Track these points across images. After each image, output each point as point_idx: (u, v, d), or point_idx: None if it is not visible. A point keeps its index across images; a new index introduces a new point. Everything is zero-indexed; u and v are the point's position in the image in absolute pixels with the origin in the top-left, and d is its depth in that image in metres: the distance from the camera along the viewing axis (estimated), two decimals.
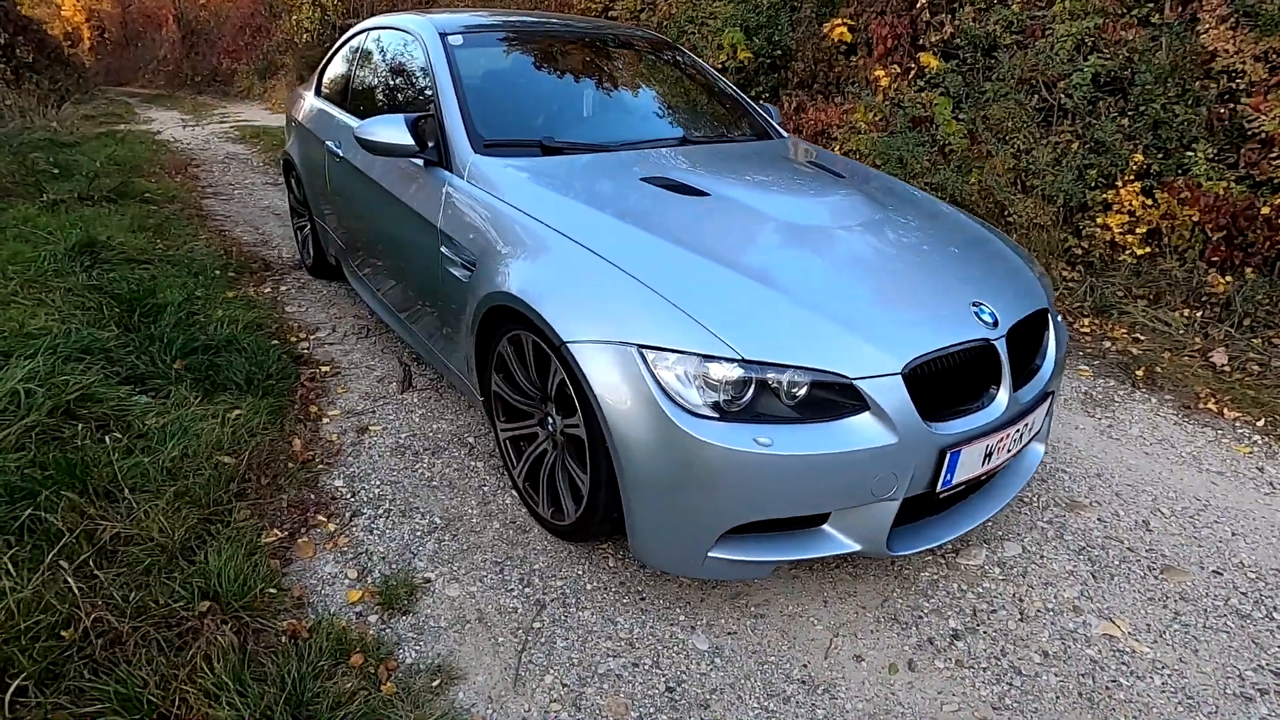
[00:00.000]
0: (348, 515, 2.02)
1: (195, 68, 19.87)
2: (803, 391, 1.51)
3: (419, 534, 1.95)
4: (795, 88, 5.55)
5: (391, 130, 2.22)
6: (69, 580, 1.53)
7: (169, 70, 21.33)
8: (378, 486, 2.15)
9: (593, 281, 1.67)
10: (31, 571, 1.55)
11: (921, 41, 4.75)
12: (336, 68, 3.47)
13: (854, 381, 1.50)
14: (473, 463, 2.29)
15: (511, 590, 1.77)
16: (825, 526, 1.61)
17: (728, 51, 5.68)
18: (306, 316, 3.41)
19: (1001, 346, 1.69)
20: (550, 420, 1.89)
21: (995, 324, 1.69)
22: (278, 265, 4.12)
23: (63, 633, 1.45)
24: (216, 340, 2.82)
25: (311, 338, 3.17)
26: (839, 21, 5.15)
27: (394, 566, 1.83)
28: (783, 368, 1.50)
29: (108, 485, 1.87)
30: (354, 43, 3.33)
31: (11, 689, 1.31)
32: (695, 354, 1.50)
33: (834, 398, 1.52)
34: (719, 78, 3.14)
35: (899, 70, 4.78)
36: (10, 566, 1.55)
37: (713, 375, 1.49)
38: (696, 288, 1.62)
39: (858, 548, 1.61)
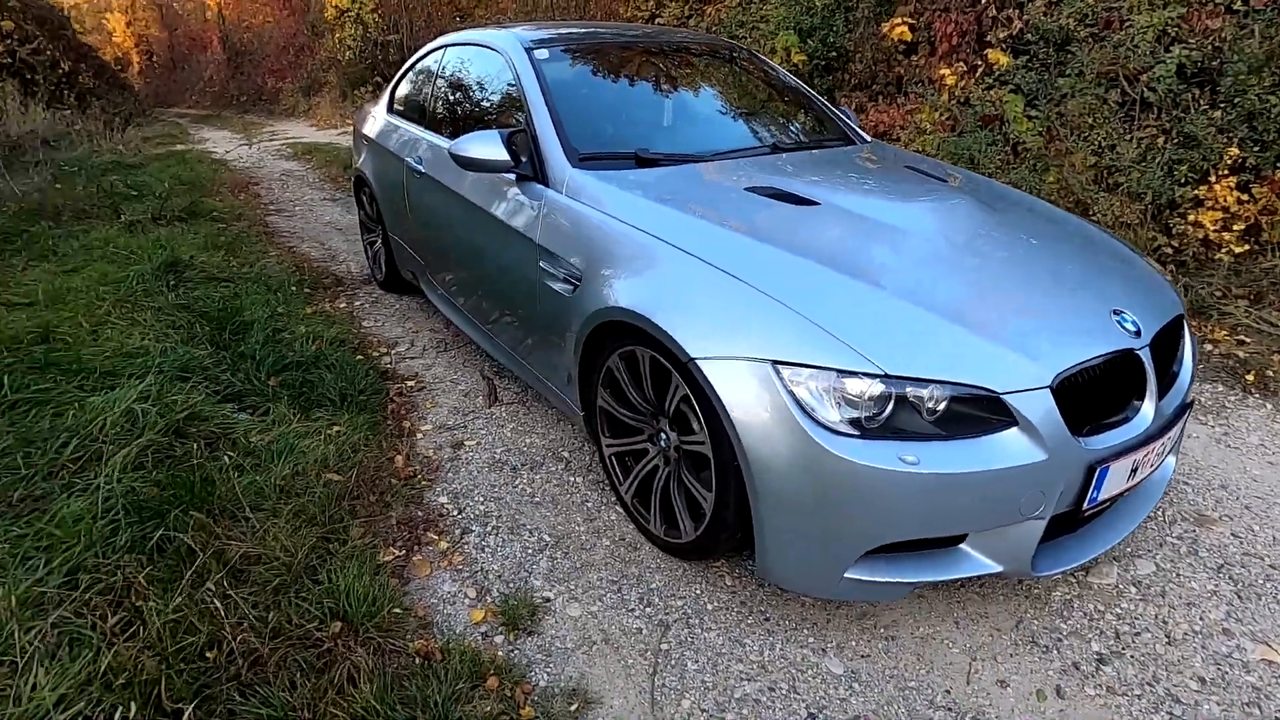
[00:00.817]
0: (457, 532, 2.01)
1: (241, 87, 20.46)
2: (942, 406, 1.46)
3: (530, 551, 1.94)
4: (852, 89, 5.47)
5: (487, 146, 2.23)
6: (211, 601, 1.54)
7: (215, 91, 22.01)
8: (482, 503, 2.15)
9: (717, 296, 1.64)
10: (170, 592, 1.58)
11: (988, 38, 4.63)
12: (410, 85, 3.51)
13: (1002, 396, 1.44)
14: (571, 478, 2.28)
15: (632, 610, 1.74)
16: (964, 546, 1.55)
17: (780, 55, 5.62)
18: (384, 331, 3.45)
19: (1146, 356, 1.61)
20: (663, 436, 1.86)
21: (1138, 333, 1.61)
22: (349, 280, 4.18)
23: (208, 653, 1.47)
24: (305, 357, 2.86)
25: (393, 352, 3.20)
26: (898, 20, 5.06)
27: (511, 585, 1.82)
28: (925, 382, 1.45)
29: (229, 504, 1.89)
30: (428, 60, 3.36)
31: (184, 715, 1.32)
32: (832, 369, 1.46)
33: (978, 413, 1.46)
34: (798, 82, 3.10)
35: (965, 68, 4.67)
36: (150, 587, 1.58)
37: (850, 391, 1.45)
38: (826, 300, 1.57)
39: (999, 568, 1.55)
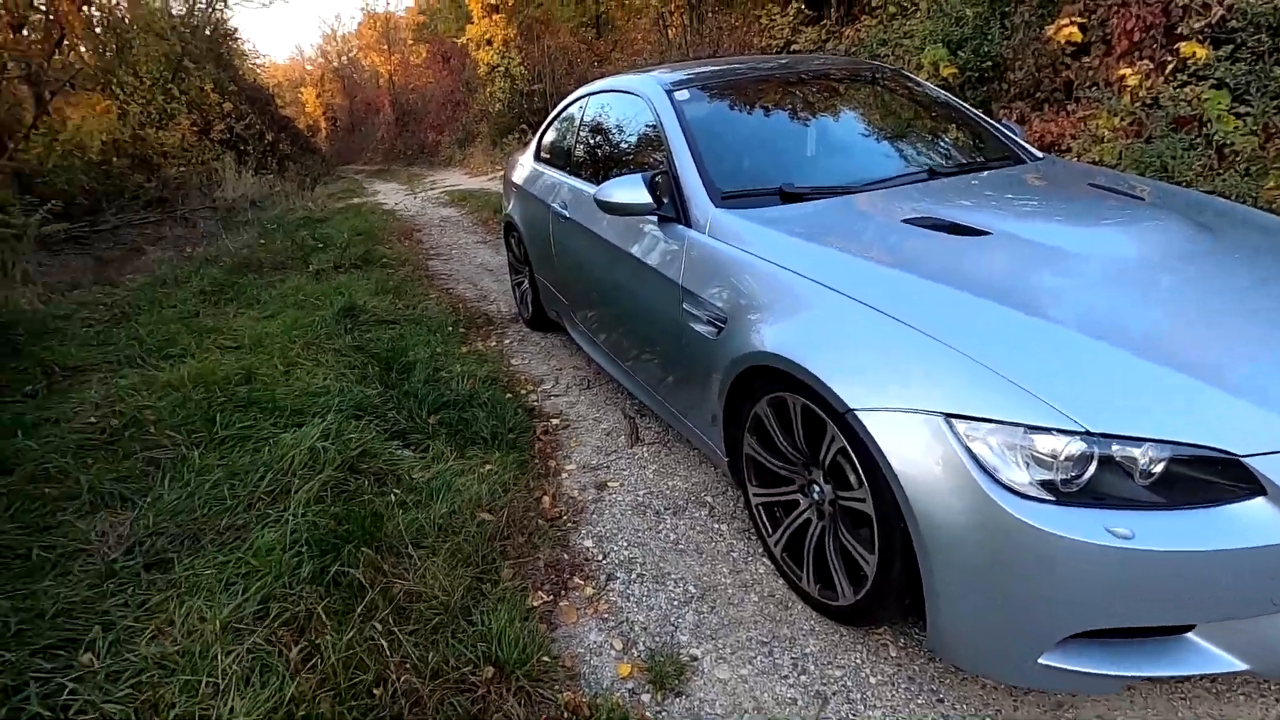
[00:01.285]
0: (603, 578, 2.00)
1: (406, 143, 22.74)
2: (1160, 469, 1.24)
3: (676, 603, 1.88)
4: (1012, 100, 5.05)
5: (630, 191, 2.25)
6: (378, 639, 1.63)
7: (385, 147, 24.62)
8: (626, 548, 2.13)
9: (876, 340, 1.52)
10: (344, 626, 1.68)
11: (1179, 30, 4.10)
12: (555, 133, 3.68)
13: (1244, 459, 1.20)
14: (716, 525, 2.20)
15: (785, 677, 1.63)
16: (1193, 636, 1.30)
17: (928, 70, 5.32)
18: (531, 369, 3.58)
19: None
20: (816, 489, 1.74)
21: None
22: (498, 319, 4.41)
23: (375, 690, 1.54)
24: (461, 395, 3.03)
25: (539, 390, 3.31)
26: (1066, 21, 4.61)
27: (657, 640, 1.76)
28: (1139, 441, 1.23)
29: (394, 541, 2.01)
30: (572, 108, 3.50)
31: None
32: (1019, 424, 1.28)
33: (1208, 477, 1.23)
34: (952, 98, 2.89)
35: (1150, 66, 4.15)
36: (326, 620, 1.69)
37: (1041, 449, 1.27)
38: (1006, 344, 1.40)
39: (1244, 667, 1.28)
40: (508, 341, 4.01)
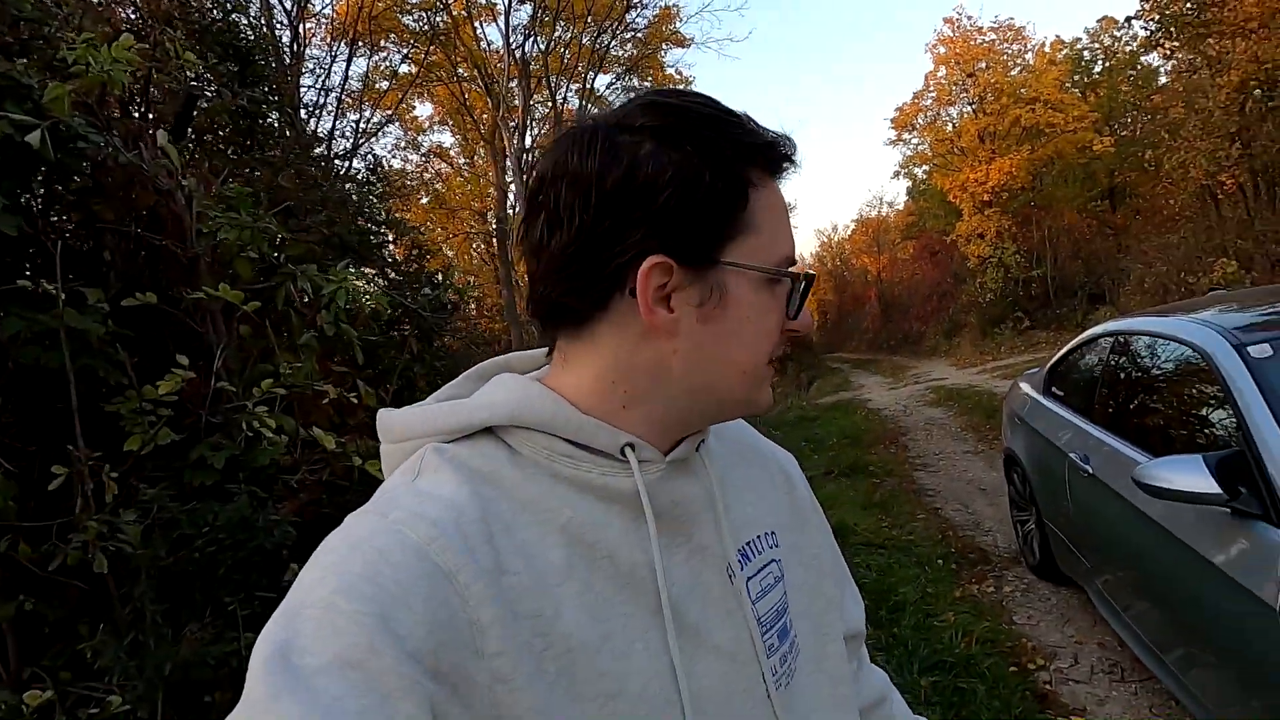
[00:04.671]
0: None
1: (890, 332, 23.71)
2: None
3: None
4: None
5: (1189, 476, 1.89)
6: None
7: (869, 337, 26.12)
8: None
9: None
10: None
11: None
12: (1071, 370, 3.39)
13: None
14: None
15: None
16: None
17: None
18: (1040, 633, 3.12)
19: None
20: None
21: None
22: (995, 557, 4.03)
23: None
24: (957, 657, 2.82)
25: (1052, 667, 2.84)
26: None
27: None
28: None
29: None
30: (1097, 346, 3.20)
31: None
32: None
33: None
34: None
35: None
36: None
37: None
38: None
39: None
40: (1008, 589, 3.61)
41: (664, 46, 11.71)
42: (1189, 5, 9.15)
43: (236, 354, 2.34)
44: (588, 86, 10.88)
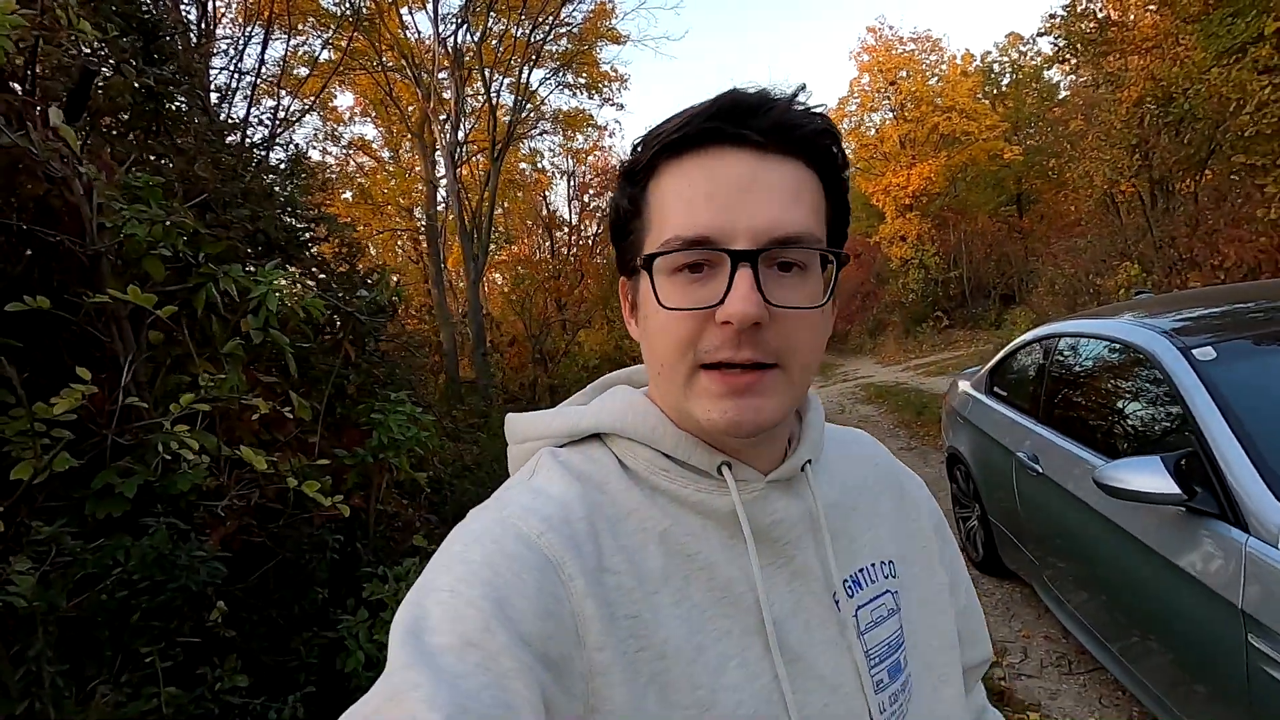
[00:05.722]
0: None
1: None
2: None
3: None
4: None
5: (1149, 477, 1.94)
6: None
7: None
8: None
9: None
10: None
11: None
12: (1015, 370, 3.48)
13: None
14: None
15: None
16: None
17: None
18: (989, 629, 3.18)
19: None
20: None
21: None
22: None
23: None
24: None
25: (1004, 663, 2.90)
26: None
27: None
28: None
29: None
30: (1035, 347, 3.30)
31: None
32: None
33: None
34: None
35: None
36: None
37: None
38: None
39: None
40: None
41: (600, 43, 11.57)
42: (1091, 25, 9.76)
43: (148, 365, 2.06)
44: (521, 81, 10.61)
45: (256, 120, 4.81)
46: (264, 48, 5.06)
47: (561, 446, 0.56)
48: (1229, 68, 6.48)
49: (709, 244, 0.48)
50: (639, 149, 0.53)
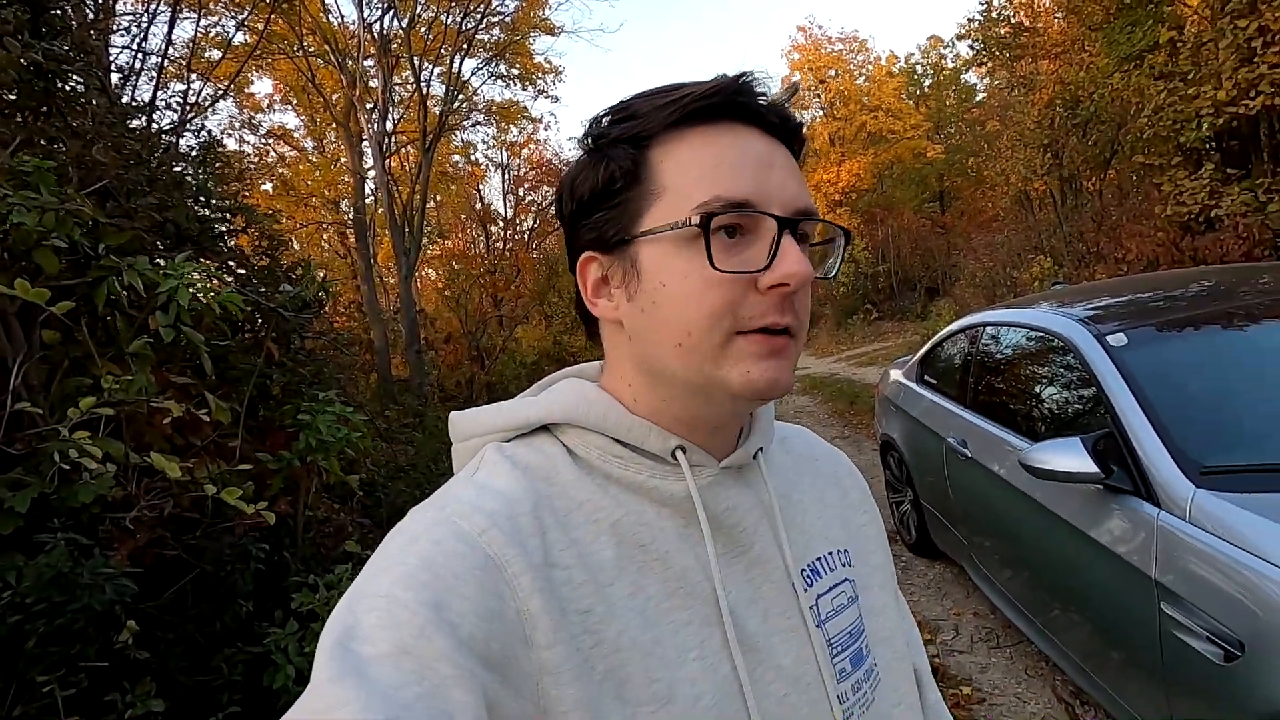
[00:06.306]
0: None
1: None
2: None
3: None
4: None
5: (1070, 458, 2.04)
6: None
7: None
8: None
9: None
10: None
11: None
12: (943, 359, 3.61)
13: None
14: None
15: None
16: None
17: None
18: (923, 609, 3.31)
19: None
20: None
21: None
22: None
23: None
24: None
25: (938, 641, 3.01)
26: None
27: None
28: None
29: None
30: (962, 336, 3.43)
31: None
32: None
33: None
34: None
35: None
36: None
37: None
38: None
39: None
40: None
41: (533, 33, 11.37)
42: (1006, 30, 10.26)
43: (41, 367, 1.89)
44: (453, 71, 10.31)
45: (164, 104, 4.49)
46: (171, 26, 4.73)
47: (508, 441, 0.55)
48: (1129, 73, 6.92)
49: (753, 208, 0.48)
50: (631, 117, 0.51)
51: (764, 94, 0.51)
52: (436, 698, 0.39)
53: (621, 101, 0.53)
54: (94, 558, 1.57)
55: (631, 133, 0.51)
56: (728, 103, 0.50)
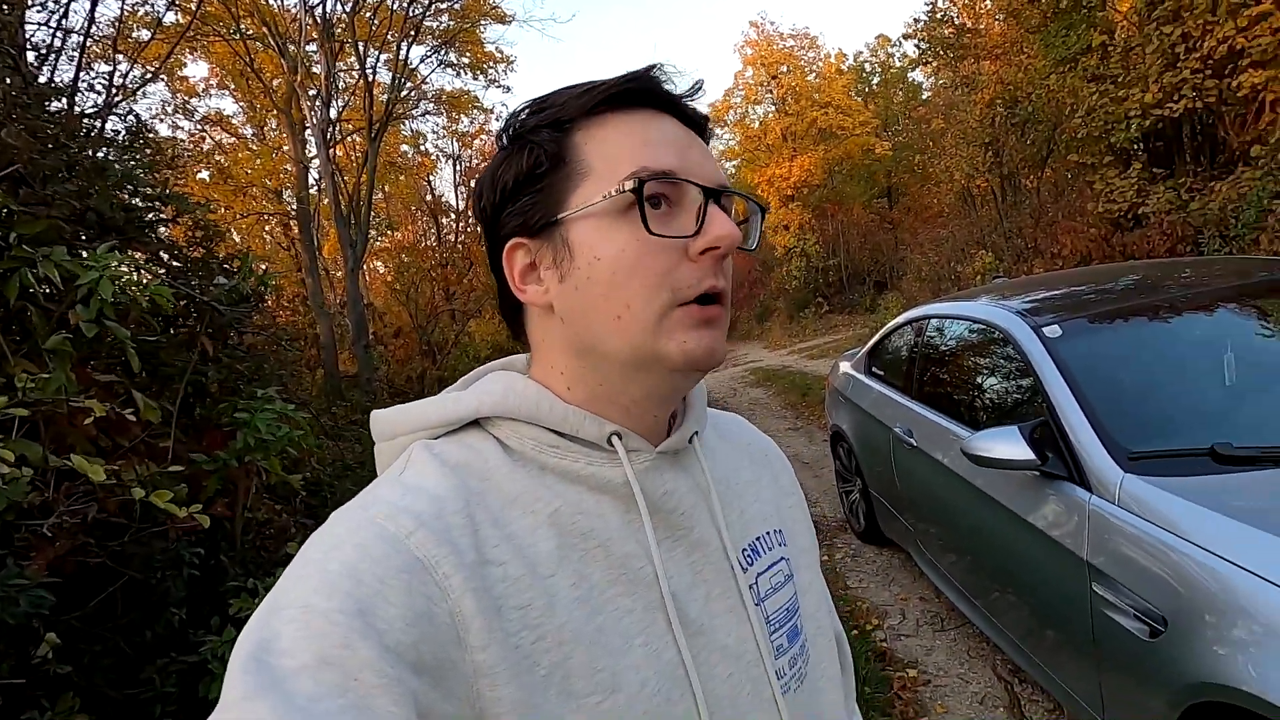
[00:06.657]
0: None
1: None
2: None
3: None
4: None
5: (1008, 445, 2.11)
6: None
7: None
8: None
9: None
10: None
11: None
12: (890, 351, 3.70)
13: None
14: None
15: None
16: None
17: None
18: (870, 595, 3.39)
19: None
20: None
21: None
22: (823, 526, 4.33)
23: None
24: None
25: (885, 626, 3.09)
26: None
27: None
28: None
29: None
30: (908, 329, 3.52)
31: None
32: None
33: None
34: None
35: None
36: None
37: None
38: None
39: None
40: (839, 556, 3.89)
41: (484, 21, 11.15)
42: (949, 30, 10.54)
43: None
44: (400, 58, 10.04)
45: (87, 86, 4.24)
46: (94, 4, 4.46)
47: (436, 439, 0.53)
48: (1064, 75, 7.21)
49: (679, 177, 0.50)
50: (550, 106, 0.52)
51: (672, 85, 0.53)
52: (361, 710, 0.37)
53: (537, 97, 0.54)
54: (7, 568, 1.47)
55: (553, 119, 0.52)
56: (643, 90, 0.52)
